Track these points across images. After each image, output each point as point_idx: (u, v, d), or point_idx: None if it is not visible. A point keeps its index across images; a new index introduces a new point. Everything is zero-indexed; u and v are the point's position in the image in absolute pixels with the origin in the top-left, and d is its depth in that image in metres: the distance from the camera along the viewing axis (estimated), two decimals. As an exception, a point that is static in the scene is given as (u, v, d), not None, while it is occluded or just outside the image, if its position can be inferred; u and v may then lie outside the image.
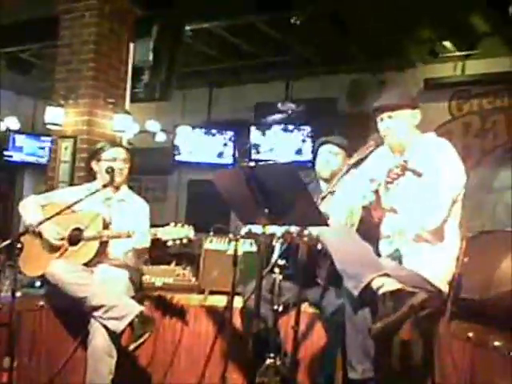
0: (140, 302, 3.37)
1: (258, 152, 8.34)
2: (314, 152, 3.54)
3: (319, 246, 2.98)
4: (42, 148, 9.18)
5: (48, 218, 3.17)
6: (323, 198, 2.93)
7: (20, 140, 9.42)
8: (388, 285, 2.54)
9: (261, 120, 8.48)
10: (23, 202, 3.51)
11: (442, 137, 2.95)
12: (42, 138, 9.14)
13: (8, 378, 2.74)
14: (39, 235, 3.32)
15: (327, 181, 3.40)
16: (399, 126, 2.88)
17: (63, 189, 4.16)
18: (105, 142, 3.77)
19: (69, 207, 3.22)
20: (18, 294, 3.22)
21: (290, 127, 8.18)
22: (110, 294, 3.11)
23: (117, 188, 3.55)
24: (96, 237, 3.27)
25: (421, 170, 2.62)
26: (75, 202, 3.23)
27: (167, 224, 3.15)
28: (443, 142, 2.87)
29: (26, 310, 3.32)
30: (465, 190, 2.82)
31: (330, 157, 3.43)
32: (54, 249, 3.32)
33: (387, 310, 2.50)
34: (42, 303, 3.38)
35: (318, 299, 3.12)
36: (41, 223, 3.19)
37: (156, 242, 3.18)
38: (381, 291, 2.54)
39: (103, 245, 3.30)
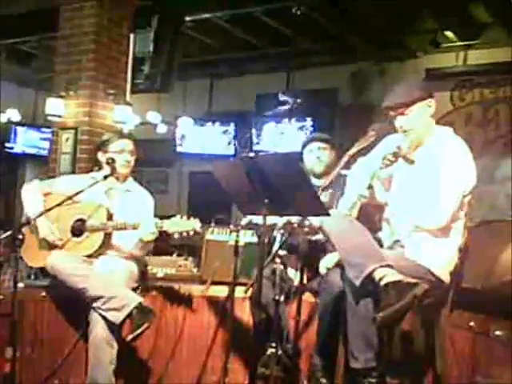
0: (142, 292, 3.38)
1: (259, 143, 8.32)
2: (301, 149, 3.53)
3: (321, 236, 2.98)
4: (44, 139, 9.16)
5: (48, 210, 3.16)
6: (324, 189, 2.93)
7: (21, 131, 9.41)
8: (390, 276, 2.53)
9: (262, 111, 8.45)
10: (26, 186, 3.48)
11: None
12: (43, 130, 9.12)
13: (10, 368, 2.75)
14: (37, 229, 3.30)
15: (319, 176, 3.42)
16: (415, 123, 2.77)
17: (67, 176, 4.10)
18: (112, 134, 3.73)
19: (69, 198, 3.19)
20: (21, 284, 3.23)
21: (291, 119, 8.14)
22: (108, 284, 3.10)
23: (122, 179, 3.52)
24: (100, 228, 3.26)
25: (413, 157, 2.62)
26: (76, 193, 3.20)
27: (172, 216, 3.13)
28: (458, 142, 2.79)
29: (28, 301, 3.32)
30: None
31: (320, 153, 3.46)
32: (52, 244, 3.31)
33: (390, 301, 2.49)
34: (44, 294, 3.39)
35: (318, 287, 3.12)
36: (39, 216, 3.17)
37: (161, 234, 3.17)
38: (383, 282, 2.53)
39: (107, 236, 3.29)
